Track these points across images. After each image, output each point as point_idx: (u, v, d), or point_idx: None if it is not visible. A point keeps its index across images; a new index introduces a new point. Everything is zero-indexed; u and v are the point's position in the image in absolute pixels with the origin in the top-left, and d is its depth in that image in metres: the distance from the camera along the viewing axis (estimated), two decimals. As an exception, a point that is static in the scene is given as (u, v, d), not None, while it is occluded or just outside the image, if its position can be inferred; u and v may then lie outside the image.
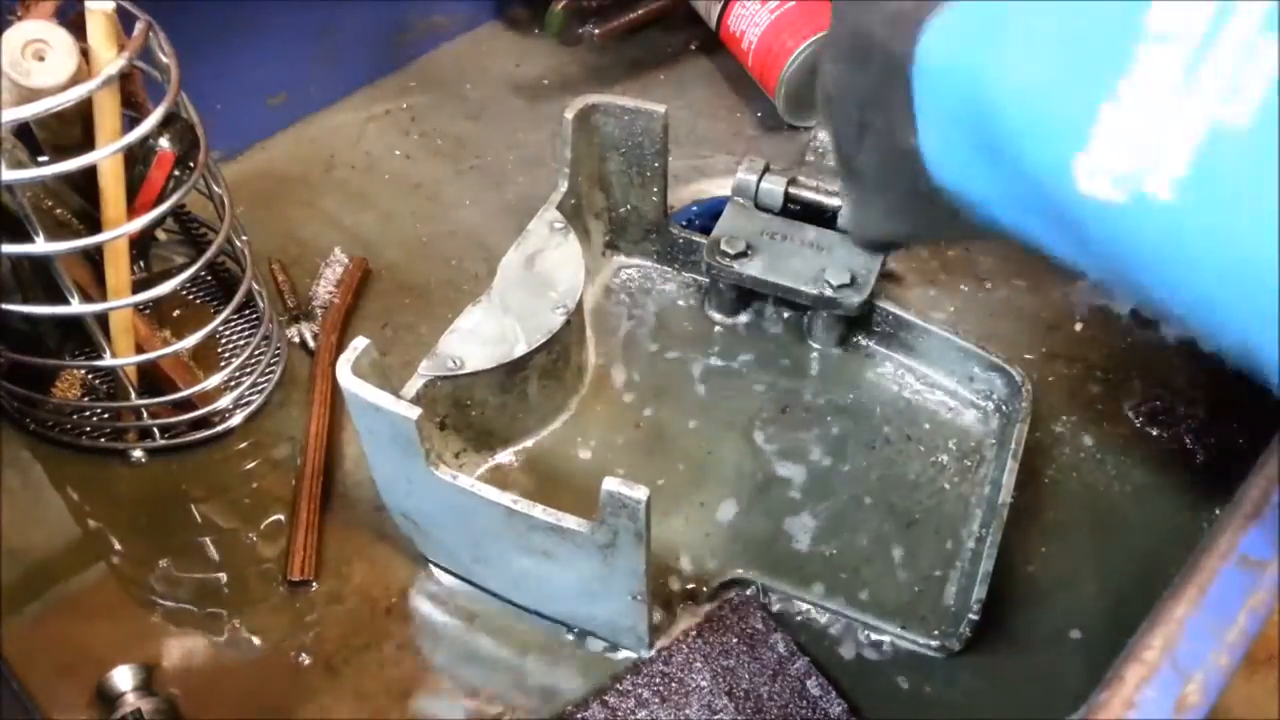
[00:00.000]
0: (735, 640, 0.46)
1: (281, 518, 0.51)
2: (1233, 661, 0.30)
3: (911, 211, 0.37)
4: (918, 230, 0.40)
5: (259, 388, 0.55)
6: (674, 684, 0.45)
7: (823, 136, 0.57)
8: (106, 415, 0.53)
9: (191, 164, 0.48)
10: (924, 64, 0.31)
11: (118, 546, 0.50)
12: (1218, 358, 0.30)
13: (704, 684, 0.45)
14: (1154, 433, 0.54)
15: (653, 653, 0.46)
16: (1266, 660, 0.35)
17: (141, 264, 0.54)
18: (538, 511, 0.40)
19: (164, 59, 0.45)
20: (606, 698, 0.44)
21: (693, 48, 0.76)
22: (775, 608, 0.47)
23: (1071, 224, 0.28)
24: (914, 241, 0.49)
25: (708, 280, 0.58)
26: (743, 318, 0.58)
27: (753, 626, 0.46)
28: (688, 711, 0.44)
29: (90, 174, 0.44)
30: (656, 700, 0.44)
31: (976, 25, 0.30)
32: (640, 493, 0.36)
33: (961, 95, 0.30)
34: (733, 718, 0.44)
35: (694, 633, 0.46)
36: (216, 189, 0.50)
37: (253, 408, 0.54)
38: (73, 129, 0.44)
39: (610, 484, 0.37)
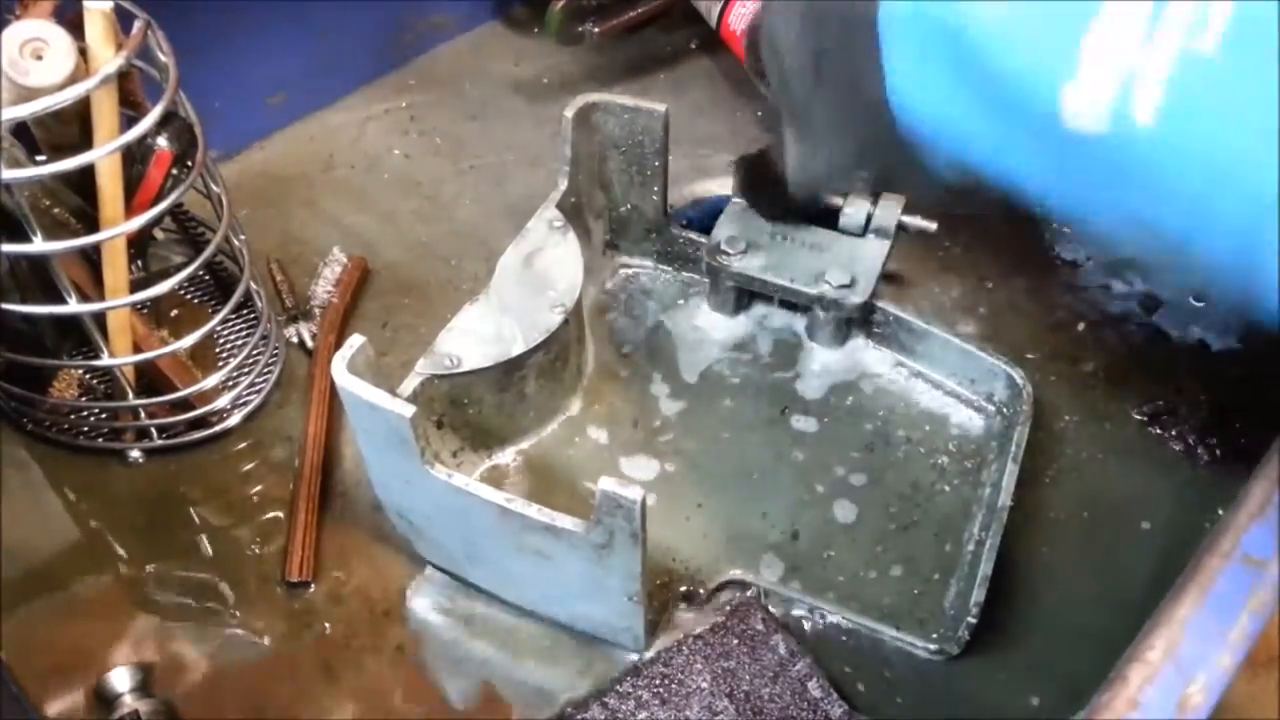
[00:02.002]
0: (735, 642, 0.45)
1: (280, 518, 0.51)
2: (1235, 661, 0.30)
3: (864, 156, 0.37)
4: (865, 170, 0.40)
5: (257, 388, 0.55)
6: (674, 685, 0.44)
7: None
8: (104, 415, 0.53)
9: (190, 163, 0.48)
10: (893, 10, 0.32)
11: (115, 547, 0.50)
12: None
13: (704, 685, 0.44)
14: (1156, 433, 0.54)
15: (652, 654, 0.45)
16: (1267, 661, 0.35)
17: (139, 263, 0.54)
18: (533, 511, 0.40)
19: (162, 58, 0.45)
20: (606, 699, 0.44)
21: (693, 47, 0.76)
22: (775, 609, 0.47)
23: (1054, 153, 0.29)
24: (858, 186, 0.49)
25: (708, 280, 0.58)
26: (743, 318, 0.58)
27: (753, 628, 0.46)
28: (688, 713, 0.44)
29: (88, 173, 0.44)
30: (656, 702, 0.44)
31: None
32: (635, 493, 0.36)
33: (938, 35, 0.31)
34: (733, 719, 0.43)
35: (694, 634, 0.46)
36: (215, 188, 0.50)
37: (251, 408, 0.54)
38: (71, 128, 0.44)
39: (606, 484, 0.36)
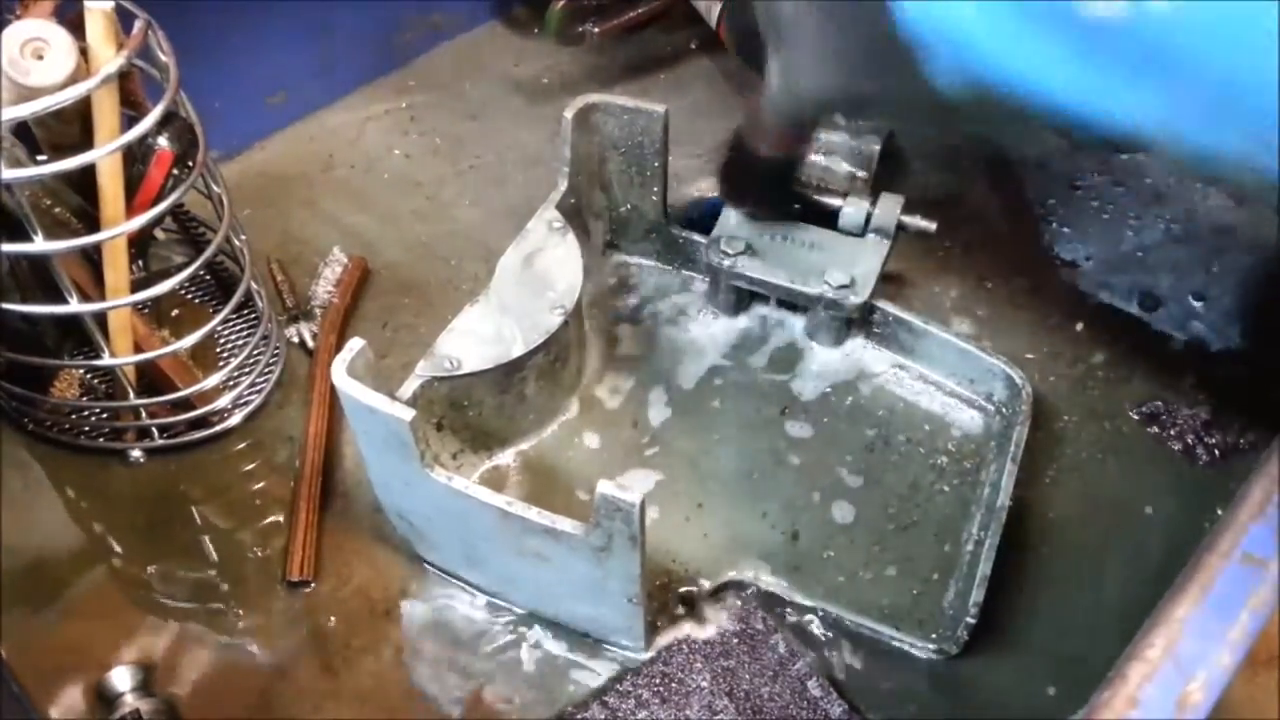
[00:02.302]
0: (735, 641, 0.45)
1: (280, 518, 0.51)
2: (1235, 660, 0.30)
3: (856, 69, 0.35)
4: (857, 89, 0.37)
5: (258, 387, 0.55)
6: (674, 684, 0.44)
7: (825, 136, 0.57)
8: (105, 415, 0.53)
9: (190, 163, 0.48)
10: None
11: (116, 547, 0.50)
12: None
13: (704, 685, 0.44)
14: (1155, 433, 0.54)
15: (652, 653, 0.46)
16: (1267, 661, 0.35)
17: (140, 263, 0.54)
18: (532, 514, 0.40)
19: (163, 58, 0.45)
20: (607, 698, 0.44)
21: (693, 47, 0.76)
22: (775, 609, 0.47)
23: (1069, 46, 0.28)
24: (845, 106, 0.44)
25: (708, 280, 0.58)
26: (743, 318, 0.58)
27: (753, 627, 0.46)
28: (688, 712, 0.44)
29: (89, 173, 0.44)
30: (657, 701, 0.44)
31: None
32: (634, 496, 0.36)
33: None
34: (733, 718, 0.43)
35: (694, 633, 0.46)
36: (215, 188, 0.50)
37: (251, 408, 0.54)
38: (71, 128, 0.44)
39: (604, 487, 0.36)
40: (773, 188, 0.49)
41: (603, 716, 0.44)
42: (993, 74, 0.30)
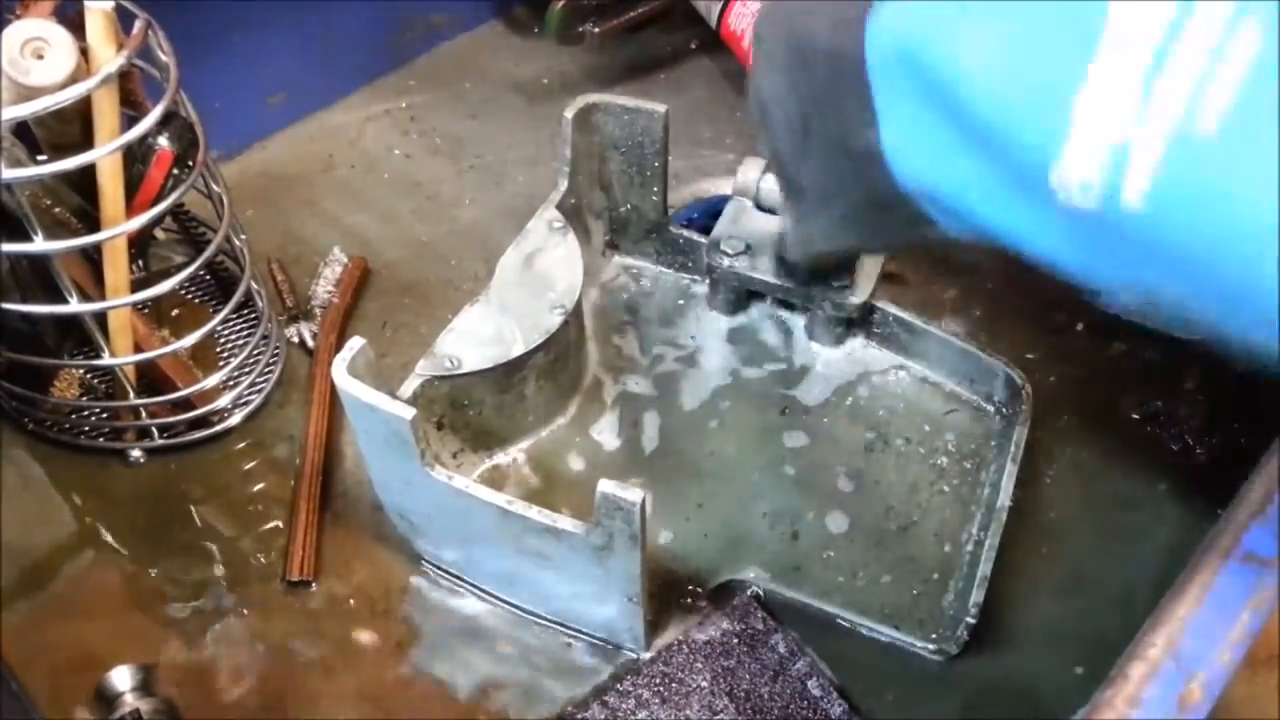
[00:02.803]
0: (735, 641, 0.45)
1: (280, 518, 0.51)
2: (1236, 659, 0.30)
3: (862, 221, 0.35)
4: (867, 240, 0.38)
5: (258, 387, 0.55)
6: (674, 684, 0.44)
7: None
8: (105, 415, 0.53)
9: (190, 163, 0.48)
10: (878, 57, 0.30)
11: (116, 546, 0.50)
12: (1215, 352, 0.29)
13: (704, 684, 0.44)
14: (1155, 433, 0.54)
15: (653, 653, 0.46)
16: (1267, 660, 0.35)
17: (140, 263, 0.54)
18: (533, 513, 0.40)
19: (163, 58, 0.45)
20: (607, 698, 0.44)
21: (693, 47, 0.76)
22: (775, 609, 0.47)
23: (1051, 220, 0.27)
24: (861, 252, 0.45)
25: (707, 280, 0.58)
26: (742, 318, 0.58)
27: (753, 627, 0.46)
28: (688, 712, 0.44)
29: (89, 173, 0.44)
30: (657, 701, 0.44)
31: (928, 5, 0.29)
32: (635, 495, 0.36)
33: (928, 85, 0.29)
34: (733, 718, 0.43)
35: (694, 633, 0.46)
36: (215, 188, 0.50)
37: (251, 407, 0.54)
38: (71, 128, 0.44)
39: (605, 486, 0.36)
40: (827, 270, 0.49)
41: (603, 716, 0.44)
42: (988, 230, 0.30)
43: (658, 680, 0.45)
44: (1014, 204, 0.28)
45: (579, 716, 0.44)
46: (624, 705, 0.44)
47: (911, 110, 0.30)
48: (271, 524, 0.51)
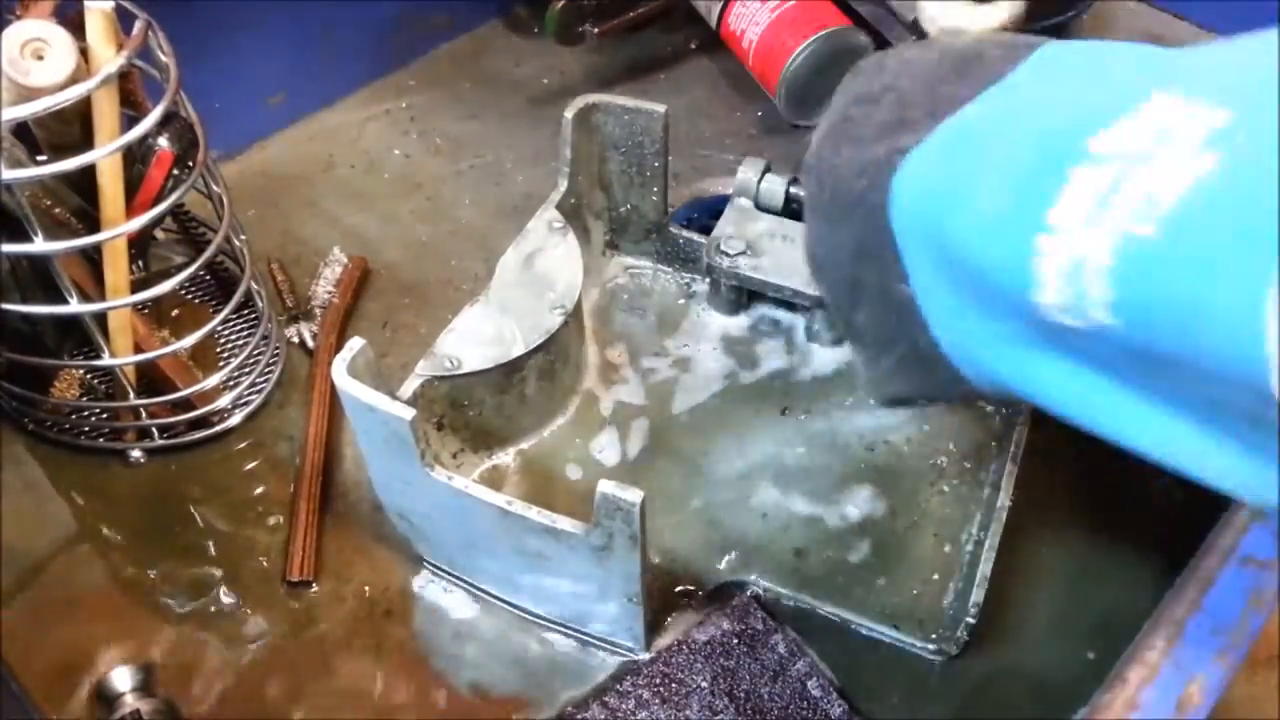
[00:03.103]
0: (735, 641, 0.45)
1: (280, 518, 0.51)
2: (1234, 661, 0.30)
3: (918, 370, 0.35)
4: (928, 389, 0.38)
5: (258, 387, 0.55)
6: (674, 685, 0.44)
7: None
8: (105, 415, 0.53)
9: (190, 163, 0.48)
10: (899, 208, 0.31)
11: (117, 546, 0.50)
12: None
13: (704, 685, 0.44)
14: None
15: (652, 653, 0.46)
16: (1267, 660, 0.35)
17: (140, 263, 0.54)
18: (532, 514, 0.40)
19: (163, 58, 0.45)
20: (606, 698, 0.44)
21: (693, 47, 0.76)
22: (774, 609, 0.47)
23: (1053, 344, 0.28)
24: (931, 401, 0.45)
25: (707, 280, 0.58)
26: (743, 318, 0.58)
27: (753, 627, 0.46)
28: (688, 712, 0.44)
29: (89, 173, 0.44)
30: (657, 701, 0.44)
31: (938, 158, 0.30)
32: (634, 495, 0.36)
33: (932, 236, 0.30)
34: (733, 718, 0.43)
35: (694, 633, 0.46)
36: (215, 188, 0.50)
37: (252, 408, 0.54)
38: (71, 128, 0.44)
39: (605, 486, 0.36)
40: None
41: (603, 717, 0.44)
42: (1010, 386, 0.31)
43: (658, 680, 0.45)
44: (1022, 342, 0.29)
45: (579, 717, 0.44)
46: (624, 706, 0.44)
47: (928, 262, 0.30)
48: (271, 524, 0.51)
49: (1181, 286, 0.22)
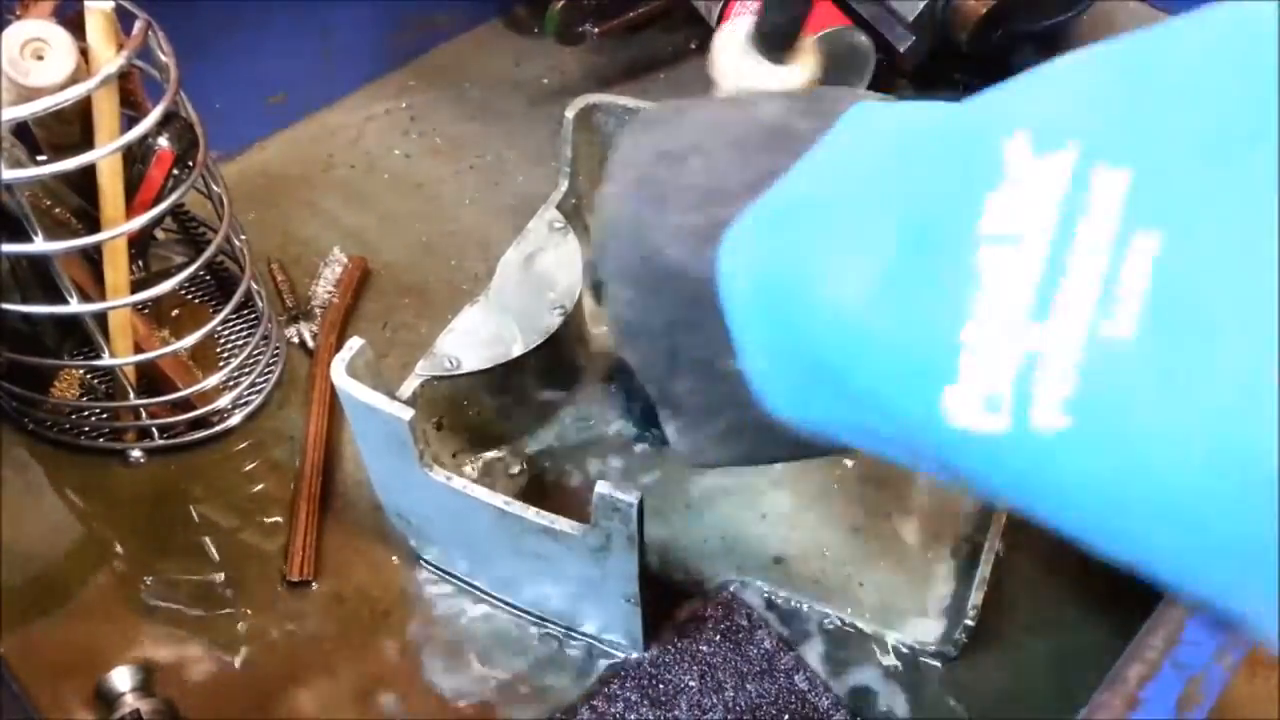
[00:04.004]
0: (719, 639, 0.45)
1: (280, 518, 0.51)
2: (1234, 660, 0.30)
3: (745, 437, 0.33)
4: (756, 455, 0.35)
5: (258, 387, 0.55)
6: (661, 685, 0.44)
7: None
8: (105, 415, 0.53)
9: (190, 163, 0.48)
10: (729, 286, 0.28)
11: (116, 546, 0.50)
12: None
13: (692, 684, 0.44)
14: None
15: (638, 655, 0.46)
16: (1268, 661, 0.35)
17: (140, 263, 0.54)
18: (531, 514, 0.40)
19: (163, 58, 0.45)
20: (594, 702, 0.44)
21: (693, 47, 0.76)
22: (768, 609, 0.47)
23: (942, 454, 0.24)
24: (756, 463, 0.40)
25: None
26: (743, 318, 0.58)
27: (738, 624, 0.46)
28: (676, 712, 0.44)
29: (89, 173, 0.44)
30: (646, 703, 0.44)
31: (772, 237, 0.27)
32: (632, 496, 0.36)
33: (780, 319, 0.26)
34: (722, 716, 0.43)
35: (681, 633, 0.46)
36: (215, 188, 0.50)
37: (252, 408, 0.54)
38: (71, 128, 0.44)
39: (603, 487, 0.36)
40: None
41: None
42: (872, 455, 0.28)
43: (645, 681, 0.45)
44: (895, 440, 0.26)
45: None
46: (612, 709, 0.44)
47: (770, 341, 0.27)
48: (271, 524, 0.51)
49: (1169, 389, 0.20)
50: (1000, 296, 0.21)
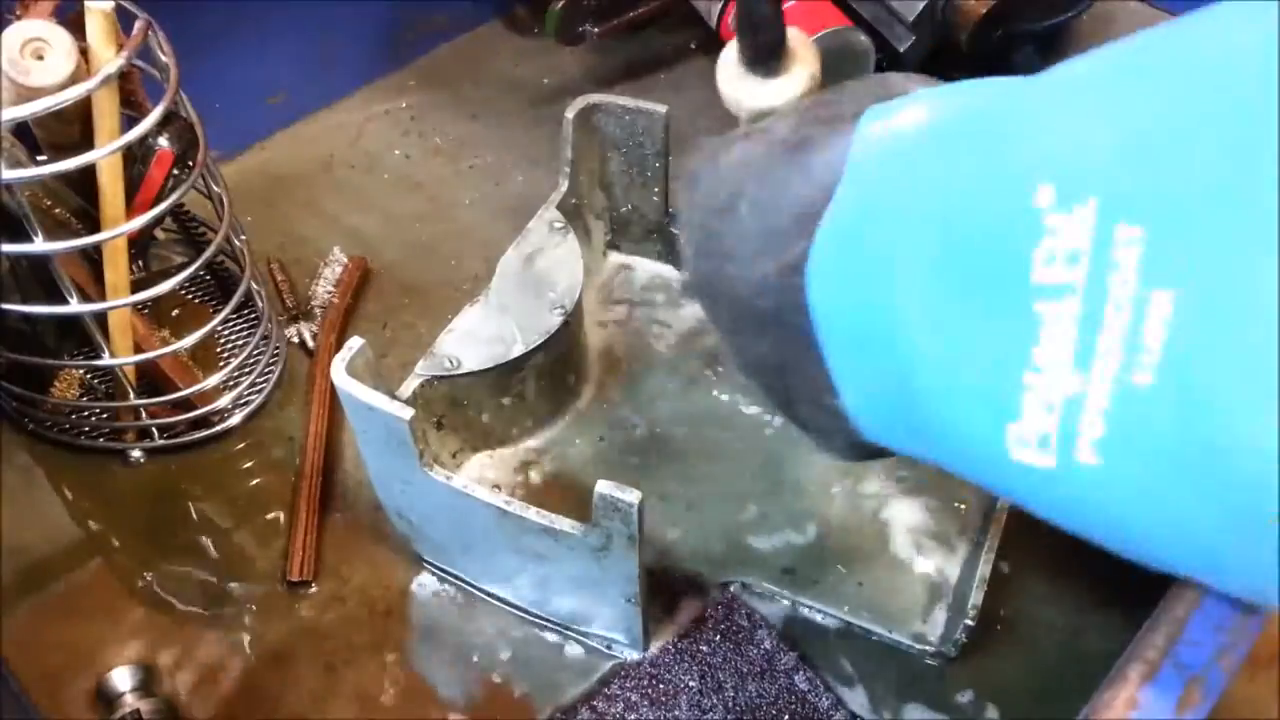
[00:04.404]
0: (719, 639, 0.45)
1: (281, 518, 0.51)
2: (1235, 661, 0.30)
3: (873, 449, 0.34)
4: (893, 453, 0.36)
5: (258, 387, 0.55)
6: (661, 685, 0.44)
7: None
8: (105, 415, 0.53)
9: (190, 163, 0.48)
10: (822, 327, 0.30)
11: (117, 546, 0.50)
12: None
13: (693, 684, 0.44)
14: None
15: (639, 655, 0.46)
16: (1268, 661, 0.35)
17: (140, 263, 0.54)
18: (531, 514, 0.40)
19: (163, 58, 0.45)
20: (594, 702, 0.44)
21: (693, 47, 0.76)
22: (766, 608, 0.47)
23: (1004, 484, 0.27)
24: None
25: (708, 280, 0.58)
26: (743, 318, 0.58)
27: (738, 624, 0.46)
28: (677, 712, 0.44)
29: (89, 173, 0.44)
30: (645, 703, 0.44)
31: (840, 281, 0.28)
32: (633, 496, 0.36)
33: (864, 356, 0.29)
34: (722, 716, 0.43)
35: (681, 633, 0.46)
36: (215, 188, 0.50)
37: (252, 407, 0.54)
38: (72, 128, 0.44)
39: (603, 487, 0.36)
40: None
41: None
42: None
43: (645, 681, 0.45)
44: (972, 468, 0.29)
45: None
46: (612, 709, 0.44)
47: (858, 376, 0.30)
48: (271, 524, 0.51)
49: (1189, 428, 0.22)
50: (1055, 344, 0.24)
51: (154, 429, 0.52)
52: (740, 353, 0.35)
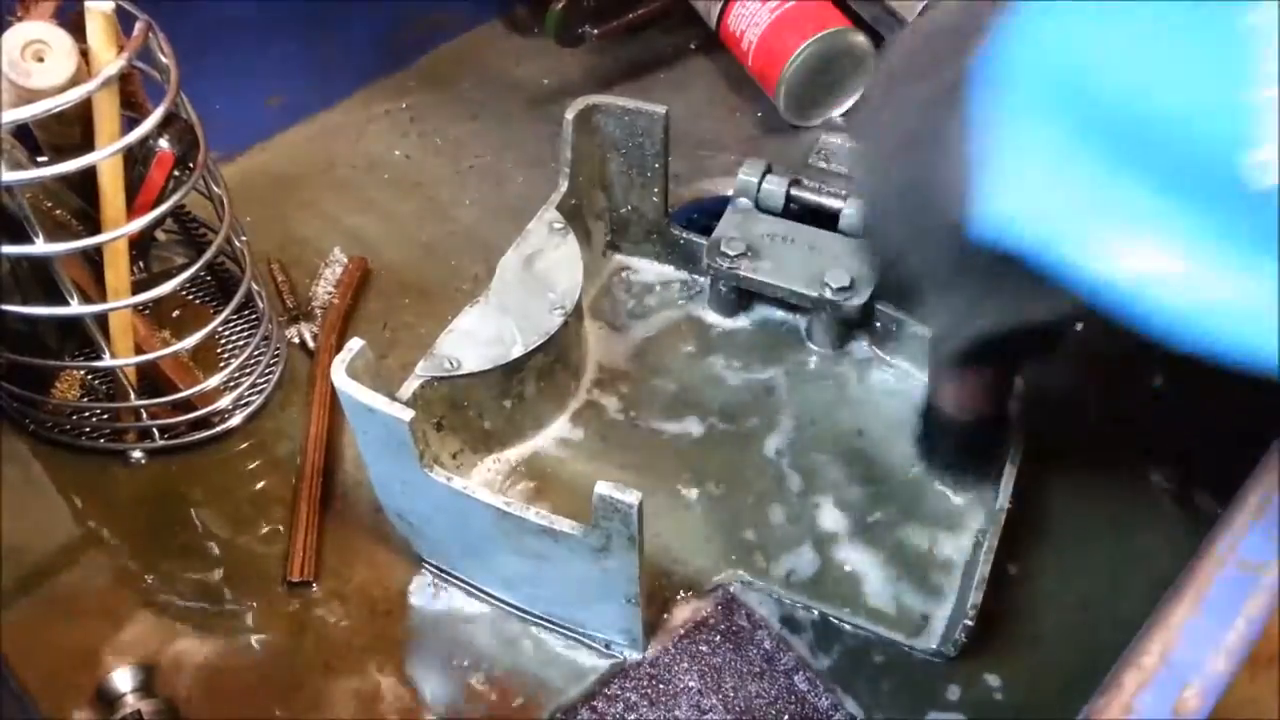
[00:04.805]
0: (719, 639, 0.46)
1: (281, 519, 0.51)
2: (1231, 666, 0.30)
3: (989, 298, 0.35)
4: (1002, 317, 0.37)
5: (258, 388, 0.55)
6: (661, 685, 0.45)
7: (824, 138, 0.57)
8: (106, 416, 0.53)
9: (191, 164, 0.48)
10: (1025, 73, 0.30)
11: (117, 547, 0.50)
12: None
13: (692, 684, 0.45)
14: (1155, 434, 0.54)
15: (639, 655, 0.46)
16: (1268, 661, 0.35)
17: (141, 264, 0.54)
18: (531, 514, 0.40)
19: (163, 59, 0.45)
20: (595, 703, 0.44)
21: (693, 47, 0.76)
22: (766, 608, 0.47)
23: (1228, 215, 0.27)
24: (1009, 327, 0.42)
25: (708, 281, 0.58)
26: (742, 319, 0.58)
27: (738, 625, 0.46)
28: (677, 713, 0.44)
29: (90, 175, 0.44)
30: (645, 703, 0.44)
31: (1063, 21, 0.29)
32: (632, 497, 0.36)
33: (1075, 93, 0.29)
34: (722, 717, 0.44)
35: (681, 634, 0.46)
36: (216, 189, 0.50)
37: (252, 408, 0.54)
38: (72, 130, 0.45)
39: (603, 488, 0.37)
40: (975, 448, 0.49)
41: None
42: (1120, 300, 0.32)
43: (645, 682, 0.45)
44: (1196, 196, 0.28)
45: (571, 720, 0.44)
46: (612, 709, 0.44)
47: (1056, 143, 0.30)
48: (272, 525, 0.51)
49: None
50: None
51: (155, 430, 0.53)
52: (883, 181, 0.36)
